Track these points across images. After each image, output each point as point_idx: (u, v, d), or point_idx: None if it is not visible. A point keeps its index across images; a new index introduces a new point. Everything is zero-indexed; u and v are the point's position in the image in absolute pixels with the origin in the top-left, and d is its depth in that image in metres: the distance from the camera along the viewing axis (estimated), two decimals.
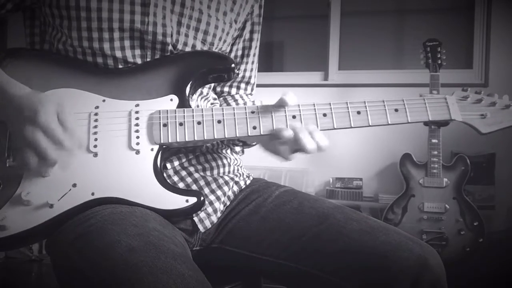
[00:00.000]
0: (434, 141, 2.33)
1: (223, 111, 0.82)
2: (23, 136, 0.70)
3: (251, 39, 1.06)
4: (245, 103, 1.05)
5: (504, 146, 2.55)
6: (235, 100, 1.06)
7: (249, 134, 0.81)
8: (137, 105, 0.81)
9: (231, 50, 1.05)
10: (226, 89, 1.08)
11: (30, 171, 0.74)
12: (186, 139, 0.80)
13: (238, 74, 1.07)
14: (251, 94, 1.12)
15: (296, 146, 0.80)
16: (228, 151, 1.01)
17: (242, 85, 1.09)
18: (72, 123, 0.73)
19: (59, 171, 0.75)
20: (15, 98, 0.73)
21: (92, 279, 0.64)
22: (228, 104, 1.06)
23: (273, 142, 0.83)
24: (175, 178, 0.88)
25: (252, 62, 1.09)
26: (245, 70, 1.08)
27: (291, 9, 3.25)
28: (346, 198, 2.69)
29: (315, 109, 0.83)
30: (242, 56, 1.07)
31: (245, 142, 1.02)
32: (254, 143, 1.00)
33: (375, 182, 2.84)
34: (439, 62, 2.40)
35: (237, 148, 1.04)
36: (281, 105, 0.82)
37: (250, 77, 1.09)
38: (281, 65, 3.40)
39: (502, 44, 2.73)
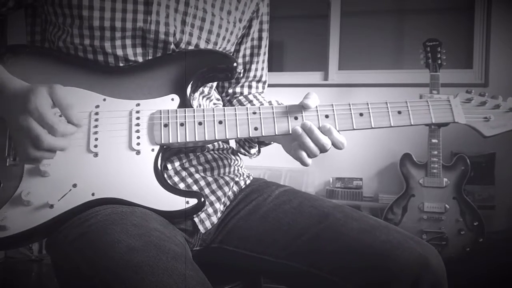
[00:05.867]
0: (434, 141, 2.34)
1: (224, 111, 0.81)
2: (18, 126, 0.70)
3: (260, 38, 1.06)
4: (261, 104, 1.04)
5: (504, 146, 2.55)
6: (250, 101, 1.06)
7: (251, 135, 0.81)
8: (138, 105, 0.81)
9: (239, 50, 1.05)
10: (238, 89, 1.08)
11: (31, 161, 0.74)
12: (187, 140, 0.80)
13: (249, 74, 1.07)
14: (262, 92, 1.12)
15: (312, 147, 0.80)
16: (229, 151, 1.01)
17: (254, 84, 1.09)
18: (68, 104, 0.73)
19: (59, 171, 0.75)
20: (12, 92, 0.73)
21: (92, 279, 0.64)
22: (242, 105, 1.05)
23: (293, 145, 0.82)
24: (176, 179, 0.88)
25: (263, 61, 1.09)
26: (256, 70, 1.08)
27: (291, 9, 3.25)
28: (346, 198, 2.69)
29: (317, 110, 0.82)
30: (252, 55, 1.07)
31: (262, 142, 1.01)
32: (271, 142, 0.99)
33: (375, 182, 2.84)
34: (439, 62, 2.40)
35: (253, 150, 1.04)
36: (300, 108, 0.82)
37: (261, 76, 1.10)
38: (281, 65, 3.40)
39: (502, 44, 2.73)
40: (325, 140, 0.79)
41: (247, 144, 1.03)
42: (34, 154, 0.72)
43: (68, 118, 0.73)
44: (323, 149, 0.80)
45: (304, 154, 0.80)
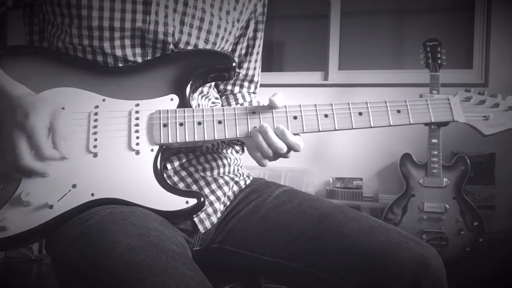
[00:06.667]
0: (434, 141, 2.33)
1: (223, 111, 0.81)
2: (10, 138, 0.69)
3: (254, 38, 1.06)
4: (243, 103, 1.05)
5: (504, 146, 2.55)
6: (236, 99, 1.06)
7: (250, 135, 0.81)
8: (137, 105, 0.81)
9: (235, 49, 1.05)
10: (229, 87, 1.08)
11: (7, 174, 0.74)
12: (187, 140, 0.80)
13: (240, 72, 1.08)
14: (254, 92, 1.12)
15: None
16: (229, 150, 1.01)
17: (246, 84, 1.09)
18: (65, 130, 0.72)
19: (58, 171, 0.75)
20: (13, 99, 0.72)
21: (92, 279, 0.64)
22: (229, 103, 1.06)
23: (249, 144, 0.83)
24: (175, 179, 0.88)
25: (256, 61, 1.09)
26: (248, 69, 1.08)
27: (291, 9, 3.25)
28: (346, 198, 2.68)
29: (316, 109, 0.82)
30: (246, 54, 1.07)
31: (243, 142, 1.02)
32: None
33: (375, 182, 2.84)
34: (439, 62, 2.40)
35: (237, 147, 1.04)
36: (271, 106, 0.81)
37: (253, 75, 1.10)
38: (281, 65, 3.39)
39: (502, 44, 2.72)
40: (279, 144, 0.78)
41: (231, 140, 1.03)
42: (11, 171, 0.71)
43: (58, 147, 0.71)
44: (276, 152, 0.79)
45: (258, 155, 0.80)
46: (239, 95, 1.07)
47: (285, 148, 0.79)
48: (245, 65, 1.08)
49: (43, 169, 0.72)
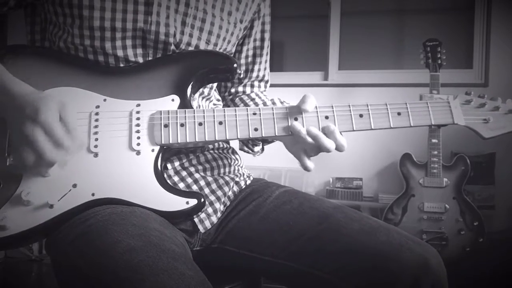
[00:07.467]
0: (434, 141, 2.34)
1: (224, 112, 0.81)
2: (23, 133, 0.69)
3: (262, 39, 1.07)
4: (264, 102, 1.04)
5: (504, 146, 2.55)
6: (252, 99, 1.06)
7: (251, 136, 0.81)
8: (138, 105, 0.81)
9: (241, 51, 1.05)
10: (240, 88, 1.08)
11: (27, 170, 0.74)
12: (187, 140, 0.80)
13: (252, 74, 1.08)
14: (264, 90, 1.12)
15: (315, 148, 0.81)
16: (230, 151, 1.01)
17: (256, 83, 1.10)
18: (74, 122, 0.73)
19: (59, 171, 0.75)
20: (18, 96, 0.72)
21: (92, 279, 0.64)
22: (245, 104, 1.05)
23: (296, 146, 0.84)
24: (176, 178, 0.88)
25: (265, 61, 1.10)
26: (259, 70, 1.09)
27: (291, 9, 3.25)
28: (346, 198, 2.69)
29: (317, 111, 0.82)
30: (254, 55, 1.07)
31: (265, 140, 1.02)
32: (274, 140, 1.00)
33: (375, 182, 2.84)
34: (439, 62, 2.40)
35: (257, 148, 1.04)
36: (299, 109, 0.82)
37: (264, 76, 1.10)
38: (281, 65, 3.40)
39: (502, 44, 2.73)
40: (343, 142, 0.81)
41: (250, 142, 1.03)
42: (33, 166, 0.71)
43: (73, 138, 0.72)
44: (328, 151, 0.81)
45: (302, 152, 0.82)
46: (253, 95, 1.08)
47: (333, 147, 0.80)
48: (256, 67, 1.08)
49: (65, 160, 0.73)
